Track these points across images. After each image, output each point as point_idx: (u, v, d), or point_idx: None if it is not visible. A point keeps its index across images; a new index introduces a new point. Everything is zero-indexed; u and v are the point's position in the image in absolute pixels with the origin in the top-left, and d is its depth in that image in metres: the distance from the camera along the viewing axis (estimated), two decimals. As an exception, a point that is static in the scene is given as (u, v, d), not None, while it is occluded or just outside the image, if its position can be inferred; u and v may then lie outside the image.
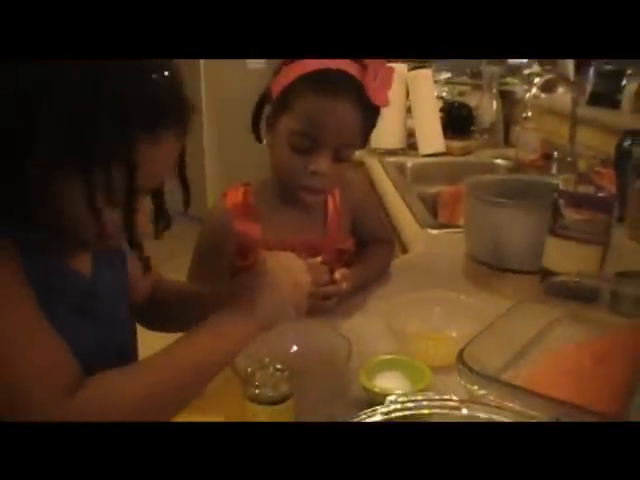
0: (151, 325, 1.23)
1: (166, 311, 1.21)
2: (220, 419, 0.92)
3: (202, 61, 4.99)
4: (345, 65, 1.25)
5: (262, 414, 0.80)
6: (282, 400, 0.79)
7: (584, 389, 0.91)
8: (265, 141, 1.34)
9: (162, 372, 0.86)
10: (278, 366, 0.81)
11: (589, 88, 2.50)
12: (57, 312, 0.86)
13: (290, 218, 1.37)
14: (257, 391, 0.79)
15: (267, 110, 1.32)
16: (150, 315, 1.21)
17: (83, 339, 0.91)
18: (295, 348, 1.10)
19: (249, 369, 0.81)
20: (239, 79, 5.05)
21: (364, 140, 1.36)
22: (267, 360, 0.82)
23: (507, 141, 3.00)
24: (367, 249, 1.49)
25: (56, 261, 0.92)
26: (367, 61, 1.25)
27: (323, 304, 1.28)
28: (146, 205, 0.96)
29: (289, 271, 1.00)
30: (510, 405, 0.80)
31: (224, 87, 5.05)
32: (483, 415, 0.76)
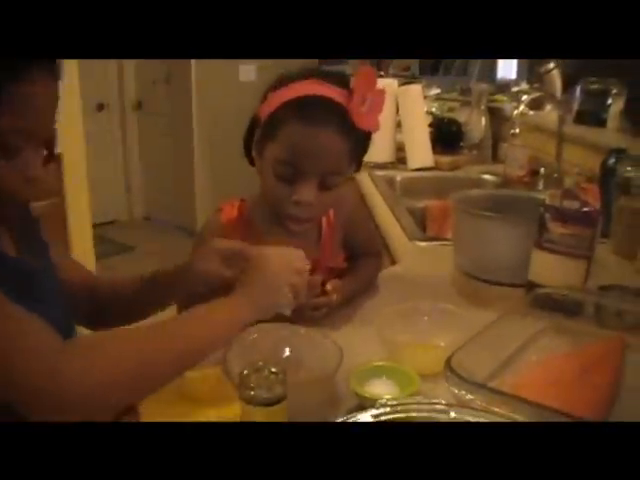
0: (94, 325, 1.24)
1: (112, 308, 1.24)
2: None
3: (193, 73, 5.02)
4: (330, 92, 1.23)
5: (257, 415, 0.82)
6: (277, 401, 0.82)
7: (567, 397, 0.93)
8: (256, 166, 1.33)
9: (154, 341, 0.89)
10: (273, 369, 0.83)
11: (575, 106, 2.56)
12: None
13: (285, 236, 1.34)
14: (252, 393, 0.82)
15: (256, 134, 1.31)
16: (93, 315, 1.23)
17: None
18: (287, 353, 1.12)
19: (244, 371, 0.83)
20: (230, 91, 5.09)
21: (355, 165, 1.35)
22: (261, 363, 0.84)
23: (495, 157, 3.04)
24: (356, 262, 1.50)
25: None
26: (354, 86, 1.23)
27: (313, 315, 1.29)
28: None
29: (286, 258, 1.05)
30: (496, 410, 0.83)
31: (215, 99, 5.08)
32: (470, 418, 0.78)
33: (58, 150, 1.04)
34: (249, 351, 1.05)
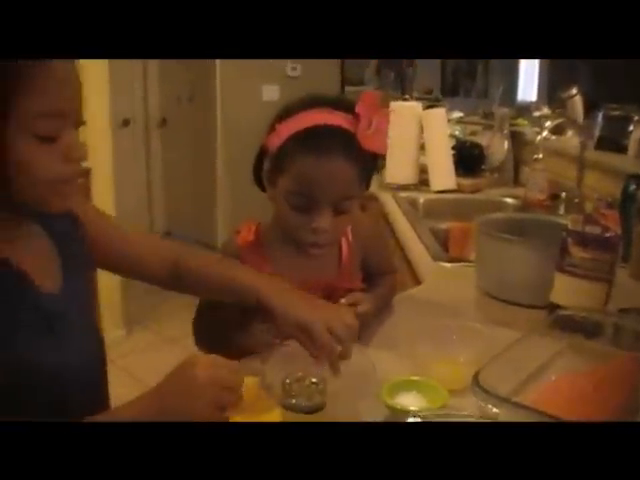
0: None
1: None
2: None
3: (218, 91, 5.08)
4: (336, 119, 1.26)
5: (297, 423, 0.88)
6: (316, 410, 0.88)
7: (583, 413, 0.98)
8: (267, 194, 1.36)
9: None
10: (313, 379, 0.89)
11: (597, 132, 2.58)
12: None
13: (304, 258, 1.37)
14: (294, 401, 0.87)
15: (266, 164, 1.34)
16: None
17: (45, 357, 0.99)
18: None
19: (287, 380, 0.89)
20: (253, 110, 5.15)
21: (365, 186, 1.37)
22: (301, 374, 0.90)
23: (516, 180, 3.08)
24: (373, 280, 1.52)
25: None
26: (359, 111, 1.25)
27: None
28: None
29: (217, 372, 0.91)
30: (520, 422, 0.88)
31: (238, 117, 5.14)
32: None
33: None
34: (285, 362, 1.10)
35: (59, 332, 1.02)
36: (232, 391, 0.90)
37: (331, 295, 1.36)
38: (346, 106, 1.28)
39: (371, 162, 1.34)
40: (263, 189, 1.38)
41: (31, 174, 0.94)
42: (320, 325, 1.08)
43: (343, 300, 1.34)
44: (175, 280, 1.28)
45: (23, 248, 1.03)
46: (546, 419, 0.88)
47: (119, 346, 3.62)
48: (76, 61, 0.96)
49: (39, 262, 1.05)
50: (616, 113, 2.55)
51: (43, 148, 0.93)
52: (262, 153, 1.35)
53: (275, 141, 1.29)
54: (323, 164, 1.24)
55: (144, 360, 3.60)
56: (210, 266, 1.26)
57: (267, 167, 1.33)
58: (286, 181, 1.28)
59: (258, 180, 1.38)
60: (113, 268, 1.26)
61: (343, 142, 1.25)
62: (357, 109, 1.25)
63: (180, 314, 4.05)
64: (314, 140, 1.24)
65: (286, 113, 1.30)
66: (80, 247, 1.15)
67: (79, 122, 0.99)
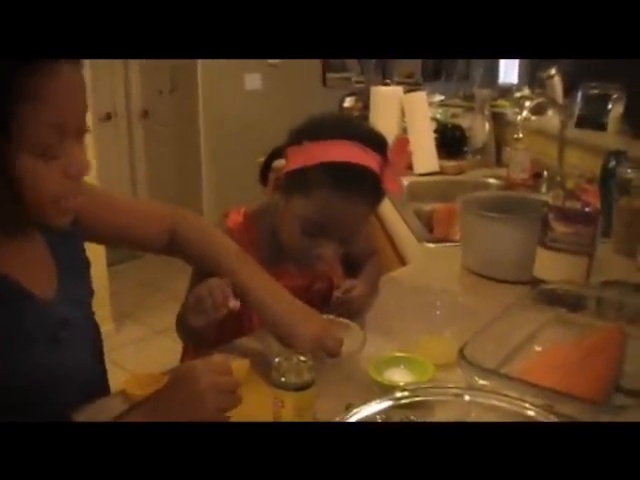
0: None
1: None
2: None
3: (200, 81, 5.08)
4: (368, 159, 1.25)
5: (288, 399, 0.90)
6: (306, 387, 0.90)
7: (569, 381, 1.00)
8: (271, 193, 1.35)
9: None
10: (302, 357, 0.91)
11: (577, 111, 2.62)
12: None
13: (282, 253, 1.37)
14: (283, 379, 0.89)
15: (278, 168, 1.33)
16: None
17: (51, 364, 1.01)
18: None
19: (276, 360, 0.91)
20: (236, 100, 5.15)
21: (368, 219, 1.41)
22: (293, 351, 0.92)
23: (499, 161, 3.09)
24: (361, 266, 1.54)
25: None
26: (391, 156, 1.26)
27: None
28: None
29: (215, 379, 0.93)
30: (506, 393, 0.90)
31: (221, 107, 5.13)
32: (483, 400, 0.85)
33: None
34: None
35: (63, 337, 1.04)
36: (232, 394, 0.93)
37: (312, 281, 1.41)
38: (377, 144, 1.28)
39: (381, 200, 1.35)
40: (264, 184, 1.38)
41: (31, 190, 0.92)
42: (309, 344, 1.10)
43: (336, 292, 1.37)
44: (171, 251, 1.29)
45: (19, 257, 1.02)
46: (532, 390, 0.90)
47: (109, 340, 3.60)
48: (79, 71, 0.94)
49: (35, 270, 1.06)
50: (595, 92, 2.59)
51: (43, 162, 0.91)
52: (277, 155, 1.35)
53: (301, 158, 1.27)
54: (347, 204, 1.26)
55: (135, 353, 3.62)
56: (207, 246, 1.26)
57: (284, 176, 1.31)
58: (305, 205, 1.27)
59: (263, 176, 1.38)
60: (107, 239, 1.27)
61: (369, 184, 1.26)
62: (389, 154, 1.27)
63: (168, 306, 4.08)
64: (345, 179, 1.24)
65: (318, 133, 1.28)
66: (75, 246, 1.15)
67: (81, 133, 0.97)
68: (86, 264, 1.18)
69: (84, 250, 1.18)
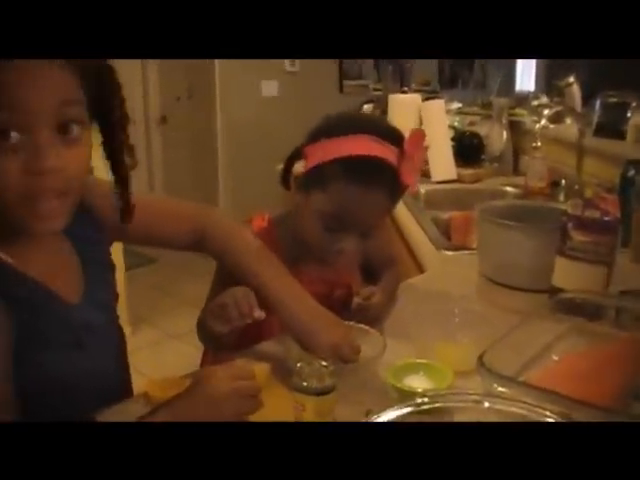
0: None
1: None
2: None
3: (217, 88, 5.10)
4: (385, 152, 1.26)
5: (309, 404, 0.91)
6: (327, 391, 0.91)
7: (588, 391, 1.00)
8: (294, 196, 1.36)
9: None
10: (323, 363, 0.92)
11: (595, 119, 2.61)
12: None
13: (307, 254, 1.39)
14: (305, 383, 0.91)
15: (299, 169, 1.34)
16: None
17: (76, 368, 1.01)
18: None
19: (298, 364, 0.92)
20: (253, 106, 5.17)
21: (389, 213, 1.42)
22: (314, 356, 0.93)
23: (516, 169, 3.08)
24: (378, 274, 1.56)
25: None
26: (407, 148, 1.27)
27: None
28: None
29: (237, 384, 0.94)
30: (525, 400, 0.91)
31: (238, 114, 5.16)
32: (503, 407, 0.86)
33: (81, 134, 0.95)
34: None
35: (87, 342, 1.04)
36: (253, 398, 0.94)
37: (332, 287, 1.42)
38: (393, 137, 1.29)
39: (401, 193, 1.37)
40: (287, 188, 1.39)
41: None
42: (328, 351, 1.11)
43: (356, 298, 1.38)
44: (199, 248, 1.30)
45: (46, 260, 1.03)
46: (550, 398, 0.91)
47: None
48: (46, 65, 0.87)
49: (61, 273, 1.06)
50: (613, 100, 2.58)
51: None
52: (296, 156, 1.36)
53: (319, 154, 1.29)
54: (366, 196, 1.27)
55: (150, 357, 3.64)
56: (235, 247, 1.27)
57: (303, 175, 1.33)
58: (324, 200, 1.29)
59: (285, 180, 1.39)
60: (135, 239, 1.28)
61: (387, 176, 1.27)
62: (405, 146, 1.28)
63: (183, 310, 4.11)
64: (362, 171, 1.26)
65: (335, 130, 1.30)
66: (101, 251, 1.16)
67: (62, 128, 0.90)
68: (111, 268, 1.19)
69: (110, 254, 1.19)
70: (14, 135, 0.85)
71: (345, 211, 1.27)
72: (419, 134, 1.31)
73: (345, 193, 1.26)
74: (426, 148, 1.32)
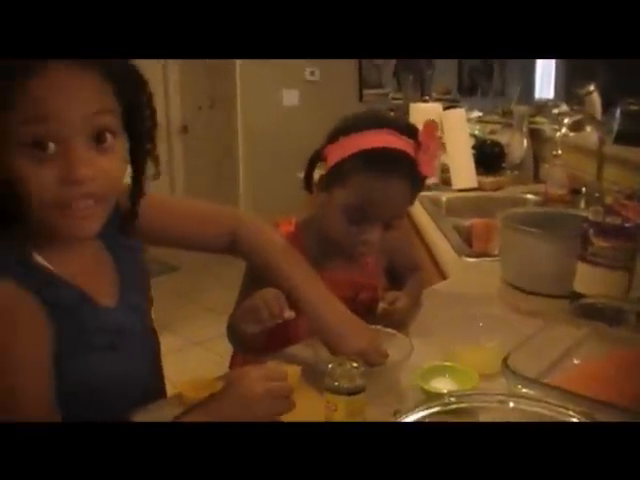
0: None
1: None
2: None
3: (239, 97, 5.15)
4: (402, 143, 1.33)
5: (340, 403, 0.94)
6: (357, 391, 0.94)
7: (606, 395, 1.02)
8: (317, 199, 1.42)
9: None
10: (354, 364, 0.96)
11: (615, 127, 2.62)
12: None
13: (332, 257, 1.45)
14: (336, 383, 0.94)
15: (321, 171, 1.40)
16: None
17: (110, 371, 1.04)
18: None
19: (330, 365, 0.95)
20: (274, 116, 5.22)
21: (411, 205, 1.47)
22: (344, 358, 0.97)
23: (536, 177, 3.10)
24: (402, 279, 1.59)
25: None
26: (422, 138, 1.34)
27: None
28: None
29: (269, 385, 0.96)
30: (549, 400, 0.93)
31: (259, 123, 5.21)
32: (527, 407, 0.89)
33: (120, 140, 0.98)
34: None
35: (122, 345, 1.06)
36: (286, 399, 0.97)
37: (357, 291, 1.45)
38: (409, 131, 1.36)
39: (420, 185, 1.41)
40: (310, 191, 1.45)
41: (27, 193, 0.90)
42: (354, 356, 1.12)
43: (381, 303, 1.41)
44: (231, 251, 1.33)
45: (83, 264, 1.05)
46: (574, 400, 0.93)
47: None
48: (77, 71, 0.90)
49: (97, 277, 1.08)
50: (634, 108, 2.58)
51: (35, 166, 0.89)
52: (317, 159, 1.41)
53: (338, 152, 1.35)
54: (386, 185, 1.32)
55: (173, 363, 3.65)
56: (267, 249, 1.30)
57: (324, 175, 1.39)
58: (346, 194, 1.34)
59: (308, 183, 1.45)
60: (167, 242, 1.30)
61: (406, 166, 1.33)
62: (420, 137, 1.34)
63: (204, 317, 4.14)
64: (381, 161, 1.31)
65: (353, 127, 1.36)
66: (135, 255, 1.18)
67: (92, 136, 0.93)
68: (145, 272, 1.22)
69: (145, 259, 1.21)
70: (51, 146, 0.89)
71: (367, 202, 1.32)
72: (432, 125, 1.37)
73: (366, 184, 1.31)
74: (440, 138, 1.36)
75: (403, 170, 1.33)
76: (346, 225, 1.35)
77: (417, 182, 1.38)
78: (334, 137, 1.38)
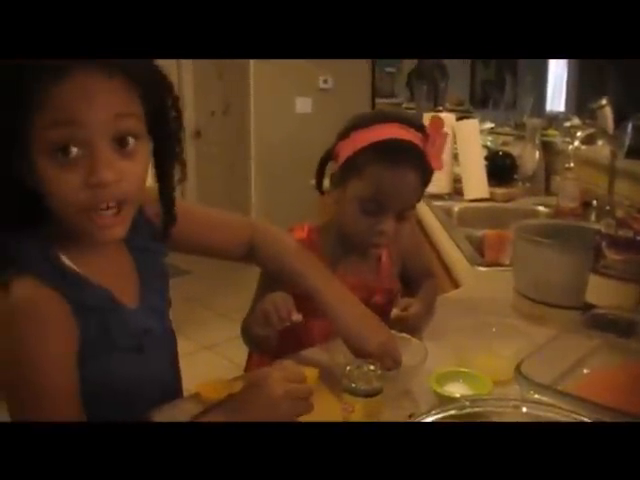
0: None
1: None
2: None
3: (252, 104, 5.18)
4: (410, 135, 1.38)
5: (357, 405, 0.97)
6: (374, 393, 0.97)
7: (618, 402, 1.05)
8: (329, 196, 1.48)
9: None
10: (371, 366, 0.98)
11: (627, 142, 2.64)
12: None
13: (347, 261, 1.50)
14: (354, 385, 0.97)
15: (331, 168, 1.46)
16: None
17: (132, 373, 1.06)
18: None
19: (348, 367, 0.98)
20: (287, 123, 5.25)
21: (420, 198, 1.50)
22: (362, 360, 0.99)
23: (548, 189, 3.12)
24: (418, 285, 1.63)
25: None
26: (430, 131, 1.39)
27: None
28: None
29: (289, 387, 0.97)
30: (562, 406, 0.95)
31: (272, 130, 5.23)
32: (541, 413, 0.91)
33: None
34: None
35: (146, 346, 1.09)
36: (305, 401, 0.98)
37: (371, 294, 1.48)
38: (416, 125, 1.41)
39: (429, 178, 1.46)
40: (321, 192, 1.50)
41: (51, 195, 0.92)
42: (375, 351, 1.17)
43: (395, 309, 1.45)
44: (249, 260, 1.36)
45: (109, 267, 1.07)
46: (586, 407, 0.95)
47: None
48: (103, 70, 0.90)
49: (121, 280, 1.10)
50: (646, 123, 2.61)
51: (58, 165, 0.90)
52: (328, 157, 1.47)
53: (349, 147, 1.40)
54: (398, 175, 1.37)
55: (184, 367, 3.67)
56: (284, 255, 1.33)
57: (336, 171, 1.45)
58: (359, 186, 1.39)
59: (319, 182, 1.50)
60: (186, 249, 1.32)
61: (415, 157, 1.38)
62: (428, 130, 1.39)
63: (217, 321, 4.16)
64: (392, 152, 1.36)
65: (362, 123, 1.42)
66: (156, 258, 1.20)
67: (115, 140, 0.94)
68: (165, 275, 1.24)
69: (164, 262, 1.23)
70: (74, 150, 0.90)
71: (380, 192, 1.37)
72: (438, 120, 1.41)
73: (379, 175, 1.36)
74: (445, 134, 1.41)
75: (413, 161, 1.38)
76: (360, 216, 1.39)
77: (426, 174, 1.42)
78: (345, 133, 1.43)
